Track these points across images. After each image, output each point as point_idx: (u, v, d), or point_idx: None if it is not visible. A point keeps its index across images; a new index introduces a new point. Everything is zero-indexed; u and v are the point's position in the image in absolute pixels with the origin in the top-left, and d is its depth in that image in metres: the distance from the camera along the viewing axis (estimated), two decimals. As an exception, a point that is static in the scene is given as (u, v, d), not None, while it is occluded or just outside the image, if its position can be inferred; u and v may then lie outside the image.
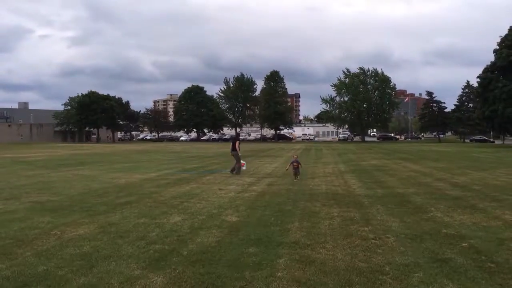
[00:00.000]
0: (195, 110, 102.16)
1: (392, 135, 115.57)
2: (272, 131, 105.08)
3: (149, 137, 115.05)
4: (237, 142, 18.50)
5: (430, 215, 8.88)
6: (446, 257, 5.86)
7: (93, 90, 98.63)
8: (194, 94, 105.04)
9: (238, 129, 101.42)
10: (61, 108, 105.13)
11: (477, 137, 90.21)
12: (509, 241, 6.72)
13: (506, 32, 58.52)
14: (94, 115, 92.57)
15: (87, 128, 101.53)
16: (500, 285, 4.80)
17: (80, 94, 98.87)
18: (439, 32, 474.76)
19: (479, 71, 62.86)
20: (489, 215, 8.83)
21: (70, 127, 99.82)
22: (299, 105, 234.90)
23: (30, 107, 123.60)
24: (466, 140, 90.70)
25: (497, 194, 11.82)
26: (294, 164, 15.84)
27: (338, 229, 7.63)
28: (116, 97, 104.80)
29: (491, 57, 60.92)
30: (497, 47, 59.06)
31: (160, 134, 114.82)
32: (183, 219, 8.53)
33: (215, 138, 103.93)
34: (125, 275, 5.16)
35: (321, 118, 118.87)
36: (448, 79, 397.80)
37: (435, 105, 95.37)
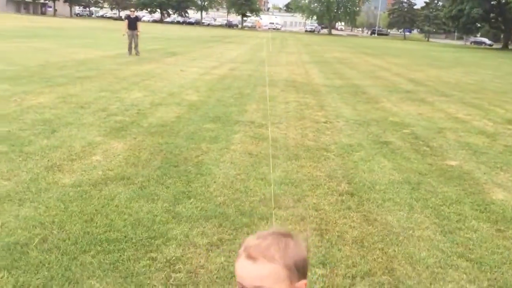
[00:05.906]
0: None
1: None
2: (239, 17, 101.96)
3: (109, 15, 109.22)
4: (139, 22, 17.97)
5: (380, 105, 9.39)
6: (387, 140, 6.39)
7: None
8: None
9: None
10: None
11: (476, 39, 76.63)
12: (447, 130, 7.32)
13: None
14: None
15: (42, 0, 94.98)
16: (429, 165, 5.37)
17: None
18: None
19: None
20: (435, 108, 9.43)
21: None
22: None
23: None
24: (467, 43, 79.53)
25: (447, 90, 12.44)
26: None
27: (293, 112, 8.04)
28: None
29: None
30: None
31: (121, 13, 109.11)
32: (144, 95, 8.68)
33: (179, 21, 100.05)
34: (87, 140, 5.41)
35: (291, 8, 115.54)
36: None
37: (405, 0, 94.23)
